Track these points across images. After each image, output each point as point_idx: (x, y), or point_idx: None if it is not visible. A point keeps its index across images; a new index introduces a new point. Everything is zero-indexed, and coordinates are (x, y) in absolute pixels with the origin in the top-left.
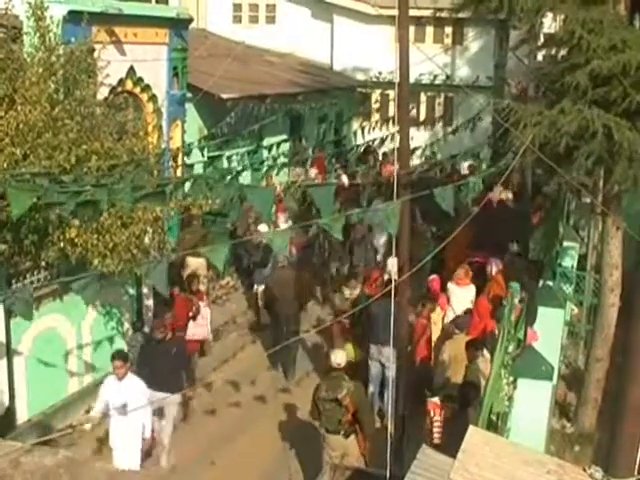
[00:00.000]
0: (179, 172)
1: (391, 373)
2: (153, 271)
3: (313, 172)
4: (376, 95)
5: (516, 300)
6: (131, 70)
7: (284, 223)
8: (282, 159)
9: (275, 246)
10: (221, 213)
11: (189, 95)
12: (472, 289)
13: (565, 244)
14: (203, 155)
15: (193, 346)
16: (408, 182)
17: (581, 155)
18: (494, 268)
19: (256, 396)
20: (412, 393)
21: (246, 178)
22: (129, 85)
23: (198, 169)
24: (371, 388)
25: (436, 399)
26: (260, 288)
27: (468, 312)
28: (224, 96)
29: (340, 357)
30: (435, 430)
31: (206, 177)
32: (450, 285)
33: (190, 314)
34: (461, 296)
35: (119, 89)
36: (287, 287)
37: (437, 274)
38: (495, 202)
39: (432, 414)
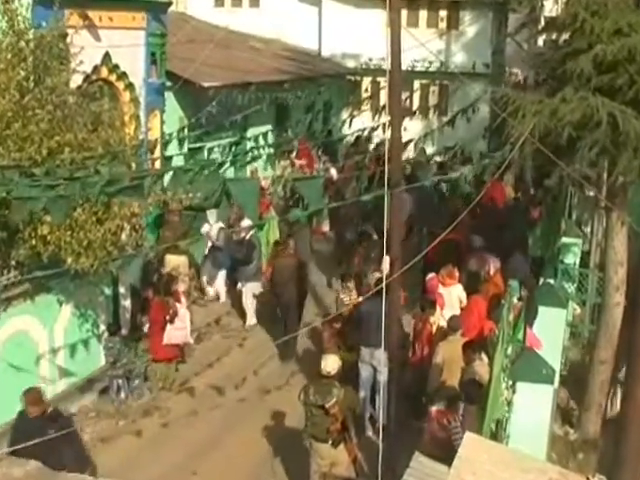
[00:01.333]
0: (158, 165)
1: (383, 377)
2: (127, 267)
3: (298, 163)
4: (366, 83)
5: (515, 299)
6: (106, 56)
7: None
8: (267, 151)
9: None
10: (203, 208)
11: (168, 83)
12: (458, 288)
13: (567, 240)
14: (183, 147)
15: (171, 351)
16: (401, 175)
17: (584, 146)
18: (492, 268)
19: (240, 400)
20: (406, 398)
21: (229, 171)
22: (104, 72)
23: (178, 161)
24: (362, 393)
25: (438, 406)
26: (245, 286)
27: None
28: (205, 84)
29: (331, 364)
30: (456, 437)
31: (186, 170)
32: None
33: (167, 317)
34: (447, 297)
35: (94, 77)
36: (289, 276)
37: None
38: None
39: (447, 422)
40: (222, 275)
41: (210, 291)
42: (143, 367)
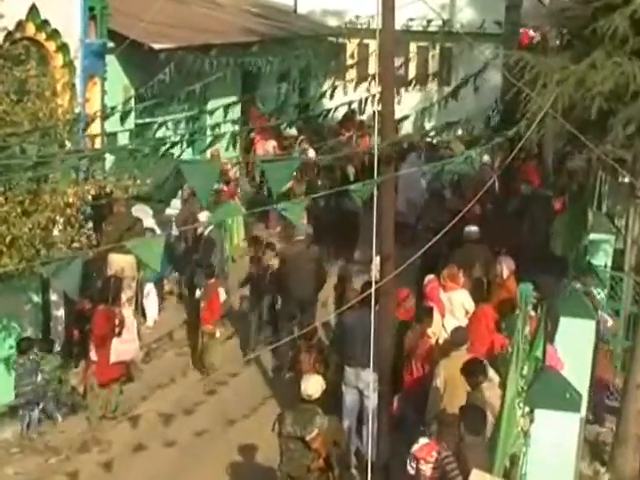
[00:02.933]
0: (97, 143)
1: (371, 403)
2: (63, 271)
3: (271, 145)
4: (352, 46)
5: (531, 308)
6: (33, 10)
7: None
8: (232, 128)
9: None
10: (153, 197)
11: (111, 45)
12: (462, 294)
13: (596, 236)
14: (128, 122)
15: (117, 370)
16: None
17: (618, 122)
18: (505, 269)
19: (198, 432)
20: (400, 428)
21: (185, 152)
22: (30, 30)
23: (122, 140)
24: (346, 422)
25: (423, 441)
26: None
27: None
28: (156, 46)
29: (312, 386)
30: (452, 474)
31: (133, 150)
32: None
33: (114, 329)
34: (447, 304)
35: (17, 35)
36: (302, 266)
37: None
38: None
39: (437, 454)
40: (151, 289)
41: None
42: (59, 389)
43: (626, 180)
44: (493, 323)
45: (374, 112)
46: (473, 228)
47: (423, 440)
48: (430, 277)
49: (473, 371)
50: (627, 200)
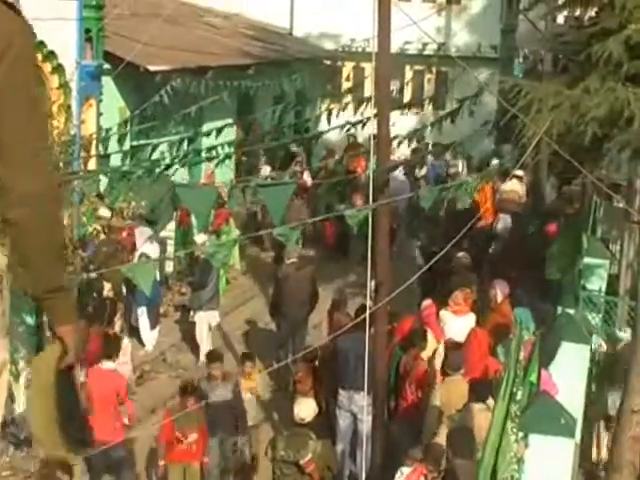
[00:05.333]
0: (92, 166)
1: (365, 427)
2: None
3: (265, 169)
4: (348, 69)
5: (525, 333)
6: None
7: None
8: (227, 150)
9: (216, 261)
10: (148, 219)
11: (107, 66)
12: (472, 319)
13: (591, 261)
14: (124, 144)
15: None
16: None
17: (612, 147)
18: (499, 294)
19: None
20: (394, 454)
21: (180, 174)
22: None
23: (117, 161)
24: (340, 446)
25: (407, 470)
26: (198, 315)
27: (458, 347)
28: (152, 68)
29: (306, 410)
30: None
31: (127, 172)
32: (444, 313)
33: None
34: (458, 328)
35: None
36: (298, 288)
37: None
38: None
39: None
40: (143, 313)
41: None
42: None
43: (620, 205)
44: (487, 347)
45: (370, 135)
46: (462, 254)
47: (406, 469)
48: (427, 302)
49: (476, 395)
50: (622, 225)
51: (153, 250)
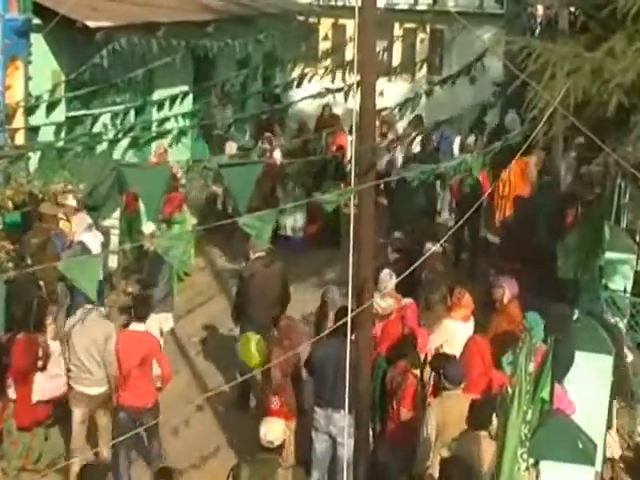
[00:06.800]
0: (20, 139)
1: (346, 452)
2: None
3: (231, 146)
4: (326, 27)
5: (536, 340)
6: None
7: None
8: (182, 122)
9: (170, 257)
10: (87, 205)
11: (36, 21)
12: (472, 324)
13: (614, 256)
14: (57, 114)
15: (41, 412)
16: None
17: None
18: (507, 293)
19: None
20: None
21: (126, 152)
22: None
23: (49, 135)
24: (315, 475)
25: None
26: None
27: (452, 357)
28: (91, 24)
29: (274, 432)
30: None
31: (62, 149)
32: (449, 322)
33: (38, 362)
34: (463, 336)
35: None
36: (266, 287)
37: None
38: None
39: None
40: None
41: None
42: None
43: None
44: (489, 357)
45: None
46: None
47: None
48: (407, 301)
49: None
50: None
51: (94, 242)
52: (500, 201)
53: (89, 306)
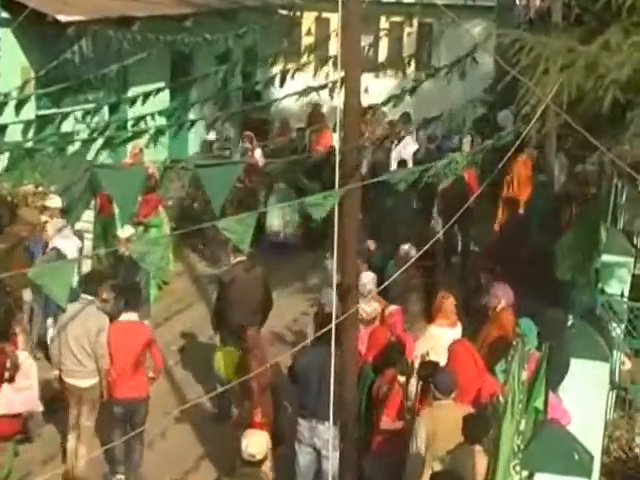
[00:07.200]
0: None
1: (331, 465)
2: None
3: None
4: (309, 21)
5: (529, 347)
6: None
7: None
8: (158, 120)
9: (147, 263)
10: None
11: (4, 15)
12: (459, 330)
13: (610, 258)
14: (25, 113)
15: (9, 426)
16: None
17: (637, 116)
18: (502, 300)
19: None
20: None
21: (99, 152)
22: None
23: (17, 135)
24: None
25: None
26: None
27: (441, 366)
28: (63, 18)
29: (256, 445)
30: None
31: (32, 149)
32: (434, 329)
33: (5, 373)
34: (443, 343)
35: None
36: (247, 292)
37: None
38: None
39: None
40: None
41: None
42: None
43: None
44: (480, 362)
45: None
46: (407, 247)
47: None
48: (393, 308)
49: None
50: None
51: (71, 246)
52: (504, 204)
53: (89, 297)
